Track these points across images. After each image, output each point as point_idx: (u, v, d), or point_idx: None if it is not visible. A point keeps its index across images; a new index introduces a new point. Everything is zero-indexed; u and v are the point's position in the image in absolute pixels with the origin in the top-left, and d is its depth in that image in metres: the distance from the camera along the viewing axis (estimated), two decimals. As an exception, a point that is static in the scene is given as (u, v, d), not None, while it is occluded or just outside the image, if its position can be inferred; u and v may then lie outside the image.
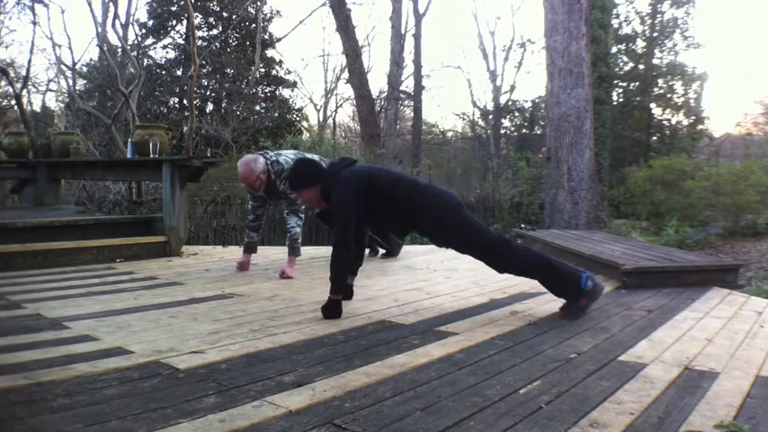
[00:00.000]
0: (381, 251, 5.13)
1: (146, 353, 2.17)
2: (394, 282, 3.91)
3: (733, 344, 2.46)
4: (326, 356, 2.19)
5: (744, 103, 38.22)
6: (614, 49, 15.33)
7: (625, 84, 16.26)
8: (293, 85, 18.07)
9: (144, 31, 16.13)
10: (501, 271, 3.00)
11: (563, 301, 2.96)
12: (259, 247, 4.66)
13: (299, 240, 4.21)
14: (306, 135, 16.29)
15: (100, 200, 7.09)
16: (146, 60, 15.40)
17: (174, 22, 16.09)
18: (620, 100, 16.11)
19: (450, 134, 22.62)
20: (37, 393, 1.75)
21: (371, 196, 2.88)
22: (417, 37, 19.06)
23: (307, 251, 5.27)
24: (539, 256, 3.05)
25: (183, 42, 15.70)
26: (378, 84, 29.16)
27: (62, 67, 15.85)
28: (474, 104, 22.62)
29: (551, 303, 3.06)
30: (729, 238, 8.23)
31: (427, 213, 2.91)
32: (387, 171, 3.14)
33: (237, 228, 8.34)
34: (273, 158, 4.14)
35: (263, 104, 16.54)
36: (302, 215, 4.26)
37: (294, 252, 4.16)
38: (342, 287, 2.88)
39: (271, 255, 5.12)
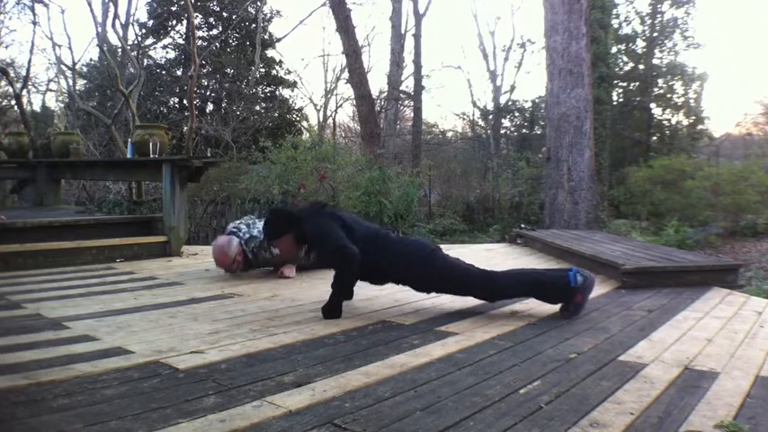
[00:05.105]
0: None
1: (146, 353, 2.17)
2: (394, 282, 3.90)
3: (733, 344, 2.46)
4: (326, 356, 2.19)
5: (744, 103, 38.27)
6: (614, 49, 15.35)
7: (625, 84, 16.28)
8: (293, 85, 18.09)
9: (144, 31, 16.14)
10: (492, 301, 3.05)
11: (562, 301, 2.98)
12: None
13: None
14: (306, 135, 16.27)
15: (100, 200, 7.10)
16: (146, 60, 15.41)
17: (174, 22, 16.10)
18: (620, 100, 16.13)
19: (450, 134, 22.63)
20: (37, 393, 1.75)
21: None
22: (417, 37, 19.06)
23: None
24: (520, 275, 3.03)
25: (183, 42, 15.71)
26: (378, 84, 29.20)
27: (62, 67, 15.85)
28: (474, 104, 22.63)
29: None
30: (729, 238, 8.24)
31: (402, 267, 2.94)
32: (358, 221, 3.07)
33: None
34: (247, 235, 3.88)
35: (263, 104, 16.54)
36: None
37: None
38: (345, 295, 2.95)
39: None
